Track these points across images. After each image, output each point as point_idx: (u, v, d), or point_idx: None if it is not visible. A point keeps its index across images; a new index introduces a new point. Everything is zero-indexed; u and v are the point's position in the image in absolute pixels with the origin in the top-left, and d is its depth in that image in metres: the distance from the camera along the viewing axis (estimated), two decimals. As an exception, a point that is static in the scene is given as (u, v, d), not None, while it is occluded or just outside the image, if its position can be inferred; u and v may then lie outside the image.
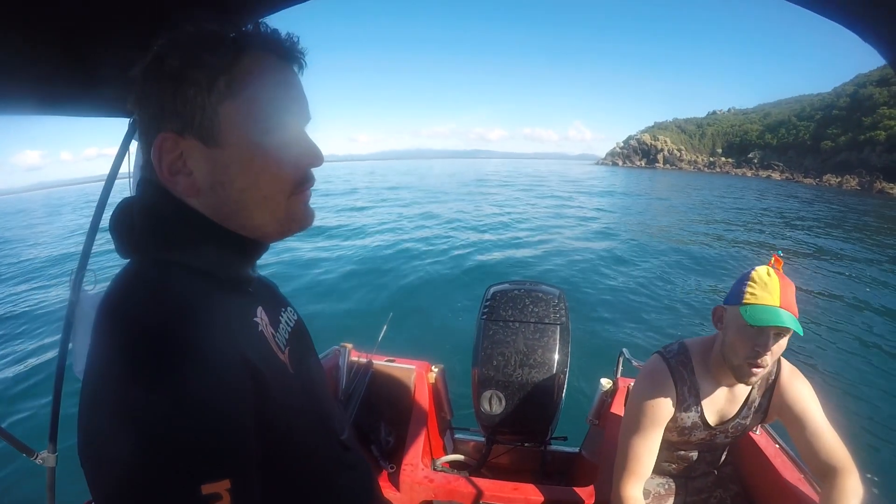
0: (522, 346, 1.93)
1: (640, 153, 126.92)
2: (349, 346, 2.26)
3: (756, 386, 1.48)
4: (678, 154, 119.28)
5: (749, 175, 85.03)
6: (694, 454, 1.63)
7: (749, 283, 1.30)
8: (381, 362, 2.32)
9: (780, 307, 1.25)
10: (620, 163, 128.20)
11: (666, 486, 1.69)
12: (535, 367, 1.92)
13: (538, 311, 2.00)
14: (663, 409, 1.44)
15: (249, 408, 0.54)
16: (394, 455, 2.02)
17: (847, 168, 66.83)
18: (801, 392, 1.45)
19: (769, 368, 1.37)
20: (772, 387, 1.49)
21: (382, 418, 2.18)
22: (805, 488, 1.62)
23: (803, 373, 1.51)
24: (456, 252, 12.31)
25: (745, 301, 1.28)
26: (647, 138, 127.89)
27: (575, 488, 1.79)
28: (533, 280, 2.18)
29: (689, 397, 1.46)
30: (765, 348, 1.26)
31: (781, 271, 1.31)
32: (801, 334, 1.24)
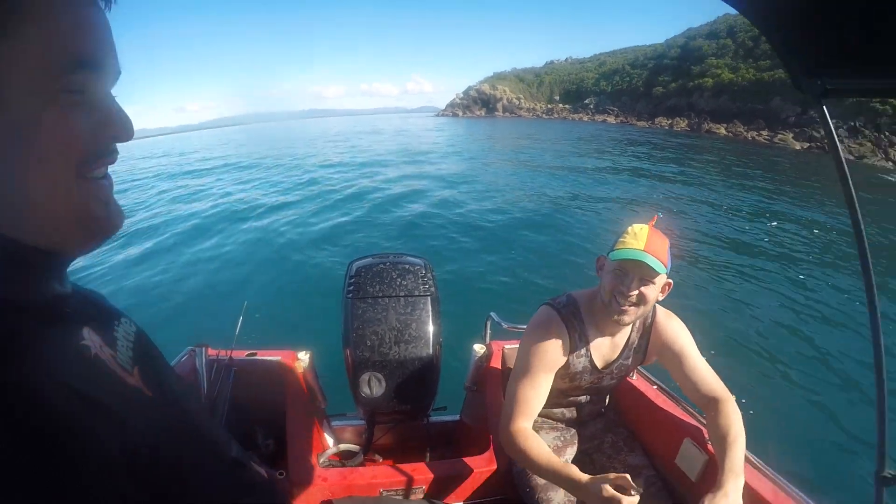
0: (395, 322, 1.88)
1: (479, 103, 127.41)
2: (205, 346, 2.00)
3: (634, 329, 1.67)
4: (517, 102, 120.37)
5: (585, 120, 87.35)
6: (584, 398, 1.79)
7: (624, 235, 1.45)
8: (242, 358, 2.12)
9: (643, 250, 1.38)
10: (461, 113, 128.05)
11: (562, 439, 1.81)
12: (411, 343, 1.88)
13: (406, 283, 1.95)
14: (556, 354, 1.55)
15: (94, 464, 0.41)
16: (277, 459, 1.92)
17: (677, 112, 71.44)
18: (677, 332, 1.63)
19: (645, 310, 1.50)
20: (649, 329, 1.66)
21: (256, 421, 2.07)
22: (686, 418, 1.78)
23: (682, 317, 1.69)
24: (303, 229, 11.27)
25: (615, 248, 1.45)
26: (486, 88, 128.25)
27: (466, 458, 1.86)
28: (396, 252, 2.12)
29: (579, 343, 1.58)
30: (627, 284, 1.41)
31: (654, 227, 1.46)
32: (662, 272, 1.39)
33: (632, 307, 1.45)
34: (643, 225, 1.46)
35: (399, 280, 1.96)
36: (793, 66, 0.89)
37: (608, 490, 1.20)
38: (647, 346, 1.66)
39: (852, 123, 59.76)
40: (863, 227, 0.86)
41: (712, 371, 1.57)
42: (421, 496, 1.80)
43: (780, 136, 58.06)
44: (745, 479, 1.33)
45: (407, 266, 2.00)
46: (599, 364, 1.63)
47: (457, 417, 2.51)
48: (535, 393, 1.52)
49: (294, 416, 1.97)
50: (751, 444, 1.49)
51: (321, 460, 2.08)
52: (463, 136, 48.98)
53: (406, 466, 1.81)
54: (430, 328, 1.92)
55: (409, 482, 1.77)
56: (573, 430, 1.84)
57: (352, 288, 1.95)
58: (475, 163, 24.05)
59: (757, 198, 15.90)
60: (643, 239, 1.40)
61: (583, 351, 1.59)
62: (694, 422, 1.74)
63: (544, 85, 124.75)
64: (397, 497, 1.76)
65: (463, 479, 1.83)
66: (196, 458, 0.58)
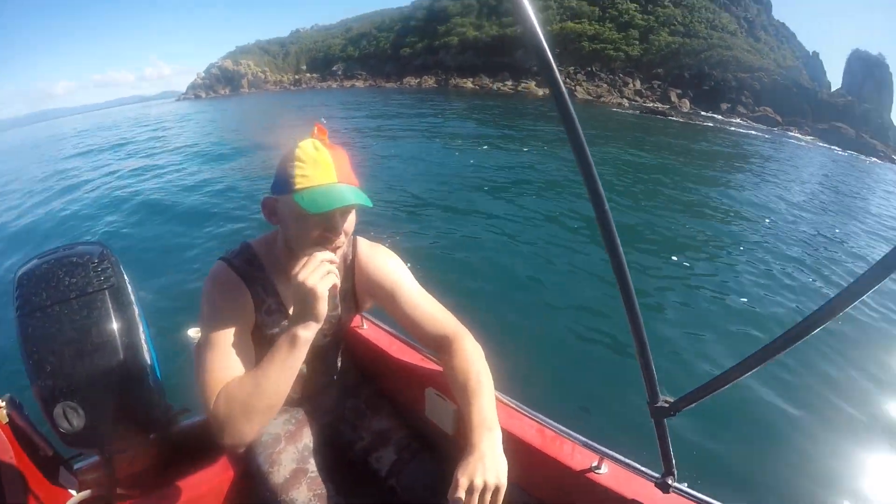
0: (72, 333, 1.47)
1: (223, 81, 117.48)
2: None
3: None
4: (263, 76, 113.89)
5: (335, 87, 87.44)
6: (303, 368, 1.42)
7: (297, 163, 1.09)
8: None
9: (338, 183, 1.10)
10: (203, 94, 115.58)
11: (293, 421, 1.51)
12: (96, 352, 1.46)
13: (77, 280, 1.53)
14: (241, 313, 1.23)
15: None
16: None
17: (425, 70, 75.67)
18: (387, 266, 1.38)
19: (344, 249, 1.29)
20: (352, 268, 1.39)
21: None
22: (427, 364, 1.64)
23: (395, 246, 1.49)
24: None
25: (297, 186, 1.08)
26: (228, 64, 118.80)
27: (200, 472, 1.60)
28: (65, 245, 1.65)
29: (267, 297, 1.28)
30: (334, 232, 1.12)
31: (328, 140, 1.15)
32: (371, 206, 1.10)
33: (337, 250, 1.18)
34: (314, 142, 1.12)
35: (67, 279, 1.53)
36: None
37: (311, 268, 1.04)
38: (355, 289, 1.40)
39: (590, 69, 66.36)
40: (590, 159, 0.72)
41: (440, 306, 1.35)
42: None
43: (523, 84, 64.68)
44: (508, 429, 1.28)
45: (75, 259, 1.57)
46: None
47: (204, 417, 1.96)
48: (230, 361, 1.17)
49: (10, 483, 1.52)
50: (513, 389, 1.46)
51: None
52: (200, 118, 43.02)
53: (152, 498, 1.58)
54: (114, 326, 1.49)
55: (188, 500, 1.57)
56: (305, 408, 1.54)
57: (19, 304, 1.52)
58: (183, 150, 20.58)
59: (484, 131, 17.97)
60: (329, 167, 1.10)
61: (274, 307, 1.29)
62: (436, 367, 1.59)
63: (290, 55, 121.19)
64: None
65: (201, 498, 1.59)
66: None
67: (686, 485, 1.13)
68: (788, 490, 3.05)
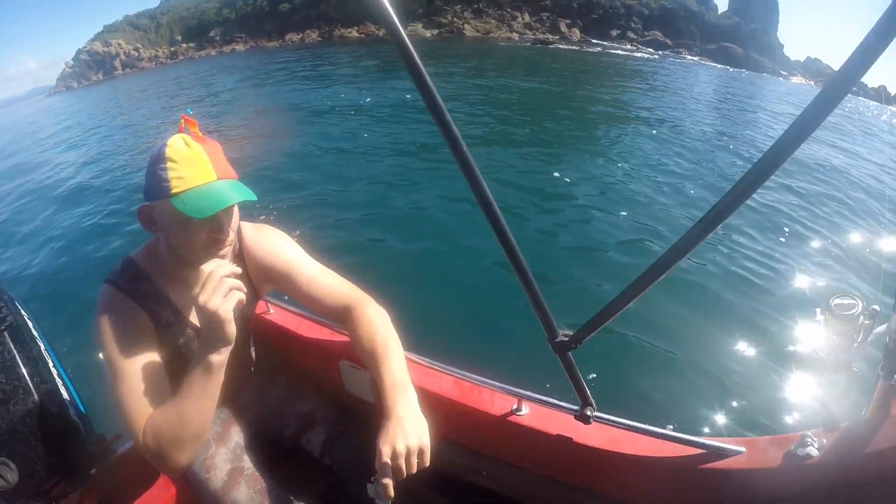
0: None
1: (94, 66, 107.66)
2: None
3: None
4: (136, 54, 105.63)
5: (214, 54, 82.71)
6: None
7: (169, 164, 1.01)
8: None
9: (218, 179, 1.05)
10: (76, 84, 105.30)
11: (219, 422, 1.47)
12: (11, 400, 1.40)
13: None
14: (141, 335, 1.17)
15: None
16: None
17: (307, 24, 73.51)
18: (276, 247, 1.35)
19: (230, 238, 1.19)
20: (241, 256, 1.34)
21: None
22: (336, 337, 1.62)
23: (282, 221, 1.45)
24: None
25: (174, 190, 1.01)
26: (97, 47, 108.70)
27: (143, 497, 1.62)
28: None
29: (162, 311, 1.23)
30: (221, 232, 1.09)
31: (199, 133, 1.08)
32: (255, 199, 1.06)
33: (227, 248, 1.15)
34: (184, 138, 1.05)
35: None
36: None
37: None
38: (249, 277, 1.35)
39: (476, 6, 66.13)
40: (440, 102, 0.70)
41: (337, 276, 1.34)
42: None
43: (411, 28, 64.16)
44: (424, 387, 1.34)
45: None
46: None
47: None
48: (147, 389, 1.13)
49: None
50: (424, 346, 1.50)
51: None
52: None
53: None
54: (23, 369, 1.45)
55: None
56: (228, 406, 1.51)
57: None
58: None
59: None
60: (205, 163, 1.04)
61: (173, 318, 1.25)
62: (347, 338, 1.54)
63: (163, 27, 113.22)
64: None
65: None
66: None
67: (605, 413, 1.16)
68: (694, 398, 3.20)
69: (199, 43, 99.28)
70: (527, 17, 60.38)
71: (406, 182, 7.27)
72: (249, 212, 1.23)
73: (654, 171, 7.83)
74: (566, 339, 0.94)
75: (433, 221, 5.83)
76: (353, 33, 63.06)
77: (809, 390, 3.19)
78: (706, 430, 2.99)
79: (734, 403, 3.20)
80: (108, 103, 35.58)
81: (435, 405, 1.26)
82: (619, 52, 48.96)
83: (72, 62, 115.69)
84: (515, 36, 56.93)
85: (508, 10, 63.53)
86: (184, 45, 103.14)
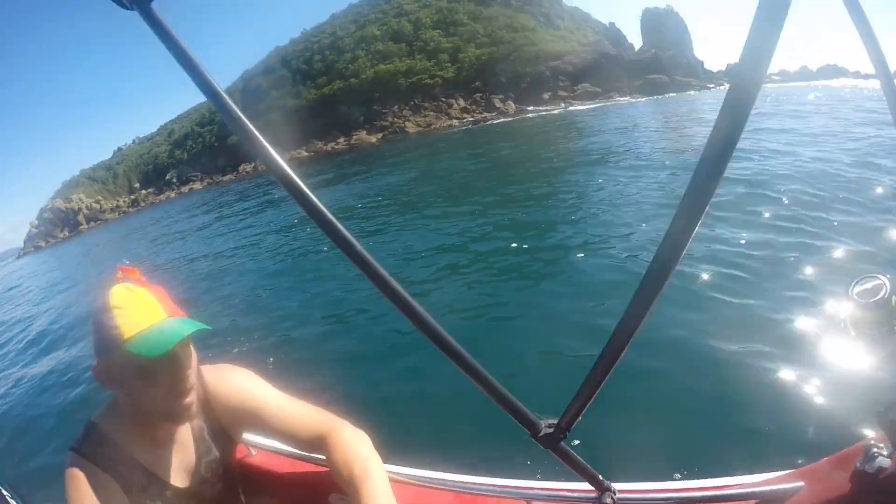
0: None
1: (59, 224, 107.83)
2: None
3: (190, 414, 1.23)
4: (98, 206, 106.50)
5: (174, 196, 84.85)
6: None
7: (116, 312, 1.01)
8: None
9: (168, 317, 1.05)
10: (44, 243, 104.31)
11: None
12: None
13: None
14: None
15: None
16: None
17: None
18: (238, 386, 1.30)
19: (192, 381, 1.15)
20: (205, 400, 1.27)
21: None
22: (322, 469, 1.52)
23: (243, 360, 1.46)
24: None
25: (126, 336, 0.99)
26: (60, 204, 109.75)
27: None
28: None
29: (133, 475, 1.17)
30: (182, 373, 1.07)
31: (140, 277, 1.11)
32: (210, 328, 1.08)
33: (192, 391, 1.13)
34: (127, 285, 1.06)
35: None
36: None
37: None
38: (218, 420, 1.29)
39: (413, 102, 67.73)
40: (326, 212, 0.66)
41: (304, 404, 1.30)
42: None
43: (356, 137, 66.47)
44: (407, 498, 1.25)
45: None
46: (181, 481, 1.23)
47: None
48: None
49: None
50: (418, 460, 1.45)
51: None
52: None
53: None
54: None
55: None
56: None
57: None
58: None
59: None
60: (152, 302, 1.05)
61: (145, 482, 1.18)
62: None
63: (120, 177, 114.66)
64: None
65: None
66: None
67: (627, 485, 1.07)
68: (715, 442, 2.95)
69: (157, 187, 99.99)
70: (462, 102, 63.20)
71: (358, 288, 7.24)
72: (203, 346, 1.38)
73: (610, 209, 8.42)
74: (551, 430, 0.83)
75: (380, 322, 5.78)
76: (303, 153, 66.69)
77: (854, 397, 2.88)
78: (740, 463, 2.54)
79: (766, 427, 2.90)
80: (73, 260, 37.06)
81: None
82: (555, 111, 51.52)
83: (37, 222, 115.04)
84: (455, 122, 58.95)
85: (443, 99, 65.82)
86: (143, 191, 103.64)
